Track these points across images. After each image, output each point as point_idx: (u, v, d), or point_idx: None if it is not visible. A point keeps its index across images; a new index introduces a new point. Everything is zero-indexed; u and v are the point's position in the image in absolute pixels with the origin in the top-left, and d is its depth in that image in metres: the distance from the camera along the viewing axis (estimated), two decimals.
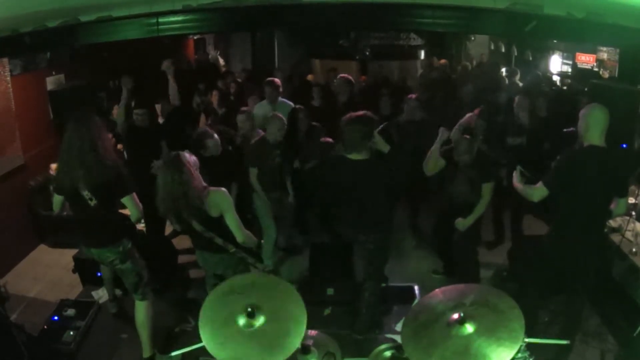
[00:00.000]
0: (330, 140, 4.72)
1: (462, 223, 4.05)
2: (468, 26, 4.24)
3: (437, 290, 2.22)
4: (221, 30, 8.64)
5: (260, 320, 2.12)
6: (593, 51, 8.28)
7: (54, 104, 5.96)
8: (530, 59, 10.16)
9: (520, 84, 7.35)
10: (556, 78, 9.25)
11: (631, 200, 3.92)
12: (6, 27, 3.81)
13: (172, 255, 4.86)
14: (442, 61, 9.31)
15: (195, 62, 9.88)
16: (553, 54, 9.89)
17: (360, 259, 3.73)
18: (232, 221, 3.07)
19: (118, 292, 4.34)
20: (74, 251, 4.69)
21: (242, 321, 2.11)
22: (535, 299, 3.49)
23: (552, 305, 3.81)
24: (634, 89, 3.78)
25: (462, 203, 4.10)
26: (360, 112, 3.40)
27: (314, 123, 5.22)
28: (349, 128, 3.35)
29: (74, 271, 4.66)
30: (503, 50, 11.06)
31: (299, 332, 2.11)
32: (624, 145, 3.73)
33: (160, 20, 3.82)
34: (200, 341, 2.10)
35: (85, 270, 4.60)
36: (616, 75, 5.20)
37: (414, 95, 5.48)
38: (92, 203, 3.25)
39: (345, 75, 6.22)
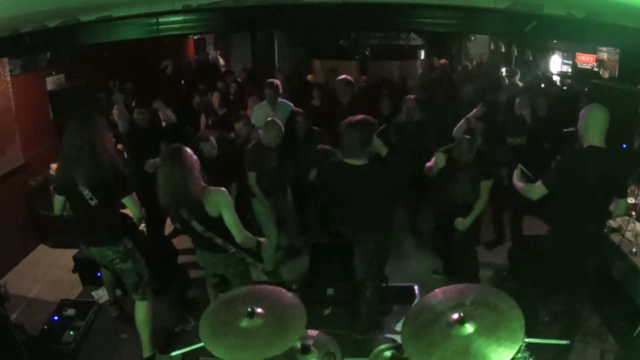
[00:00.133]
0: (328, 147, 4.72)
1: (462, 223, 4.05)
2: (468, 26, 4.24)
3: (437, 290, 2.22)
4: (221, 30, 8.65)
5: (259, 321, 2.12)
6: (593, 51, 8.28)
7: (54, 104, 5.96)
8: (530, 59, 10.16)
9: (520, 84, 7.36)
10: (556, 78, 9.25)
11: (631, 200, 3.92)
12: (6, 27, 3.81)
13: (172, 255, 4.86)
14: (442, 61, 9.31)
15: (195, 62, 9.88)
16: (553, 54, 9.89)
17: (361, 259, 3.72)
18: (231, 221, 3.07)
19: (118, 292, 4.34)
20: (74, 251, 4.69)
21: (242, 322, 2.11)
22: (535, 299, 3.50)
23: (552, 305, 3.81)
24: (634, 89, 3.79)
25: (462, 203, 4.10)
26: (359, 117, 3.37)
27: (314, 127, 5.21)
28: (348, 134, 3.33)
29: (74, 271, 4.66)
30: (503, 50, 11.05)
31: (298, 333, 2.11)
32: (624, 146, 3.73)
33: (160, 20, 3.82)
34: (200, 341, 2.10)
35: (85, 270, 4.59)
36: (616, 75, 5.20)
37: (412, 96, 5.48)
38: (93, 203, 3.25)
39: (345, 76, 6.21)
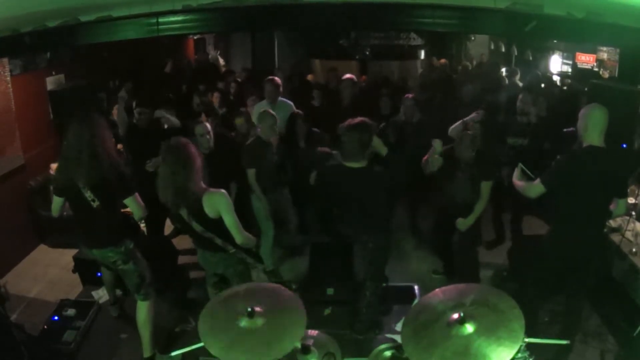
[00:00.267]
0: (327, 150, 4.73)
1: (462, 223, 4.05)
2: (468, 26, 4.24)
3: (437, 290, 2.22)
4: (221, 30, 8.64)
5: (259, 321, 2.12)
6: (593, 51, 8.27)
7: (54, 104, 5.95)
8: (530, 58, 10.16)
9: (520, 84, 7.35)
10: (556, 78, 9.25)
11: (631, 200, 3.93)
12: (6, 27, 3.81)
13: (172, 255, 4.86)
14: (442, 61, 9.31)
15: (195, 62, 9.88)
16: (553, 53, 9.89)
17: (361, 259, 3.72)
18: (231, 223, 3.06)
19: (118, 292, 4.34)
20: (74, 251, 4.69)
21: (242, 321, 2.11)
22: (535, 299, 3.50)
23: (552, 305, 3.81)
24: (634, 89, 3.79)
25: (462, 203, 4.10)
26: (358, 120, 3.36)
27: (314, 129, 5.21)
28: (347, 137, 3.32)
29: (74, 271, 4.66)
30: (503, 50, 11.05)
31: (298, 333, 2.11)
32: (624, 145, 3.73)
33: (160, 20, 3.82)
34: (200, 341, 2.10)
35: (85, 270, 4.59)
36: (616, 75, 5.20)
37: (410, 95, 5.48)
38: (95, 204, 3.24)
39: (350, 76, 6.23)
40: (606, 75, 7.70)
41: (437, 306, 2.11)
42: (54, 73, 6.02)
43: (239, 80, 7.81)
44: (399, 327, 3.54)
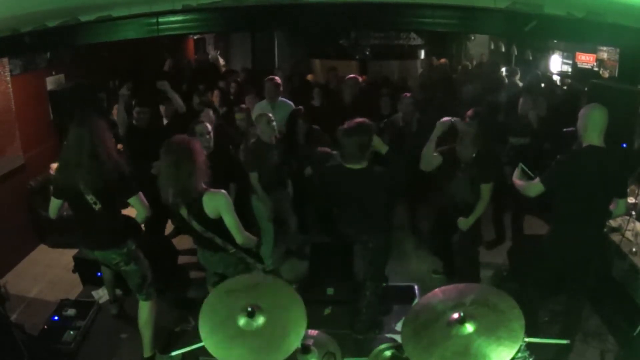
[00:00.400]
0: (327, 150, 4.73)
1: (464, 222, 4.05)
2: (468, 26, 4.24)
3: (437, 289, 2.22)
4: (221, 30, 8.65)
5: (260, 321, 2.12)
6: (593, 51, 8.27)
7: (54, 104, 5.96)
8: (530, 58, 10.16)
9: (520, 84, 7.35)
10: (556, 78, 9.25)
11: (631, 200, 3.92)
12: (6, 27, 3.81)
13: (172, 255, 4.86)
14: (442, 60, 9.32)
15: (195, 62, 9.88)
16: (553, 53, 9.88)
17: (361, 258, 3.72)
18: (231, 223, 3.05)
19: (118, 292, 4.34)
20: (74, 251, 4.69)
21: (242, 321, 2.11)
22: (535, 299, 3.50)
23: (552, 305, 3.81)
24: (634, 89, 3.78)
25: (462, 203, 4.10)
26: (357, 122, 3.35)
27: (314, 126, 5.21)
28: (346, 141, 3.32)
29: (74, 271, 4.66)
30: (503, 50, 11.05)
31: (298, 333, 2.11)
32: (624, 145, 3.73)
33: (160, 20, 3.81)
34: (200, 341, 2.10)
35: (85, 270, 4.59)
36: (616, 75, 5.20)
37: (408, 94, 5.48)
38: (97, 207, 3.22)
39: (354, 75, 6.25)
40: (606, 75, 7.70)
41: (437, 306, 2.11)
42: (54, 73, 6.02)
43: (239, 80, 7.80)
44: (399, 327, 3.56)
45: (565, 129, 4.47)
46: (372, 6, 3.81)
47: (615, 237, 3.95)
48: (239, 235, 3.08)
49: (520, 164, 3.54)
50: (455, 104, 6.11)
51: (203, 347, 2.08)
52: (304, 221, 5.43)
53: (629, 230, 3.94)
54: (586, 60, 8.60)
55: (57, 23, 3.84)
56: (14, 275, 5.02)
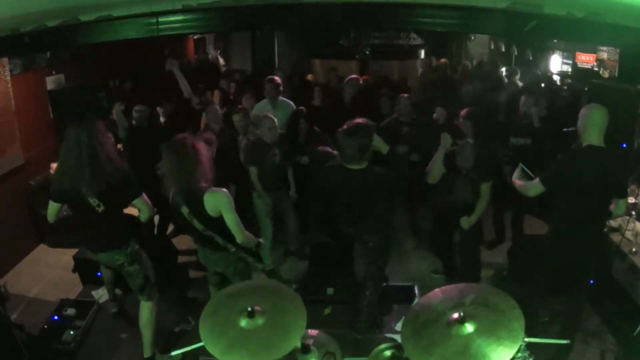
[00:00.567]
0: (328, 149, 4.73)
1: (466, 221, 4.06)
2: (468, 26, 4.24)
3: (437, 289, 2.22)
4: (221, 30, 8.65)
5: (260, 321, 2.12)
6: (593, 51, 8.27)
7: (54, 103, 5.96)
8: (531, 58, 10.16)
9: (520, 84, 7.35)
10: (556, 78, 9.25)
11: (631, 200, 3.92)
12: (6, 26, 3.81)
13: (172, 255, 4.86)
14: (442, 60, 9.31)
15: (195, 62, 9.88)
16: (553, 53, 9.88)
17: (361, 258, 3.72)
18: (232, 222, 3.06)
19: (118, 291, 4.34)
20: (74, 251, 4.69)
21: (242, 321, 2.11)
22: (536, 299, 3.50)
23: (552, 305, 3.81)
24: (634, 89, 3.78)
25: (463, 203, 4.11)
26: (356, 122, 3.35)
27: (315, 128, 5.21)
28: (346, 143, 3.32)
29: (74, 271, 4.66)
30: (503, 49, 11.05)
31: (298, 333, 2.11)
32: (624, 145, 3.73)
33: (160, 20, 3.81)
34: (200, 341, 2.10)
35: (85, 270, 4.60)
36: (616, 75, 5.20)
37: (405, 95, 5.49)
38: (100, 209, 3.19)
39: (356, 76, 6.26)
40: (606, 75, 7.69)
41: (437, 306, 2.11)
42: (54, 73, 6.02)
43: (236, 79, 7.81)
44: (399, 326, 3.54)
45: (565, 129, 4.47)
46: (372, 6, 3.81)
47: (615, 237, 3.96)
48: (240, 234, 3.08)
49: (520, 164, 3.55)
50: (455, 104, 6.10)
51: (203, 347, 2.08)
52: (304, 221, 5.44)
53: (629, 230, 3.95)
54: (586, 60, 8.60)
55: (57, 23, 3.84)
56: (14, 275, 5.02)
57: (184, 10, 3.75)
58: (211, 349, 2.04)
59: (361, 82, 6.35)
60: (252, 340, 2.07)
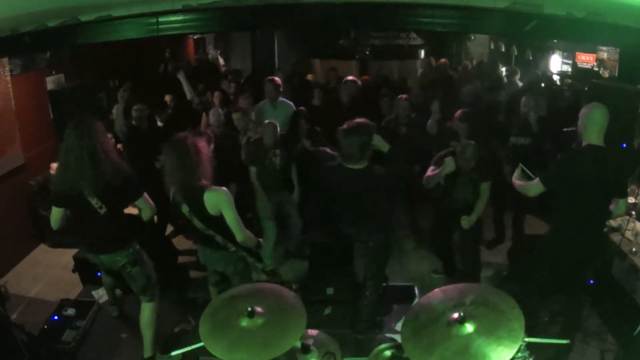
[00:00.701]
0: (328, 150, 4.73)
1: (466, 221, 4.05)
2: (468, 26, 4.25)
3: (437, 289, 2.22)
4: (221, 30, 8.65)
5: (259, 321, 2.12)
6: (593, 51, 8.27)
7: (54, 103, 5.96)
8: (530, 58, 10.16)
9: (520, 84, 7.35)
10: (556, 77, 9.25)
11: (631, 200, 3.92)
12: (6, 27, 3.81)
13: (172, 255, 4.86)
14: (442, 60, 9.31)
15: (195, 62, 9.88)
16: (553, 53, 9.89)
17: (361, 258, 3.72)
18: (232, 220, 3.06)
19: (118, 292, 4.34)
20: (74, 251, 4.69)
21: (242, 321, 2.12)
22: (536, 299, 3.50)
23: (552, 305, 3.81)
24: (634, 89, 3.78)
25: (462, 202, 4.11)
26: (356, 122, 3.35)
27: (316, 127, 5.21)
28: (346, 141, 3.32)
29: (74, 271, 4.66)
30: (503, 49, 11.05)
31: (298, 333, 2.11)
32: (624, 145, 3.73)
33: (160, 20, 3.82)
34: (200, 341, 2.10)
35: (85, 270, 4.59)
36: (616, 74, 5.20)
37: (404, 96, 5.49)
38: (102, 211, 3.17)
39: (353, 77, 6.25)
40: (606, 74, 7.70)
41: (437, 306, 2.11)
42: (54, 73, 6.02)
43: (237, 80, 7.82)
44: (399, 326, 3.55)
45: (565, 129, 4.47)
46: (372, 6, 3.81)
47: (615, 237, 3.96)
48: (240, 232, 3.08)
49: (520, 165, 3.54)
50: (455, 104, 6.10)
51: (203, 347, 2.08)
52: (304, 221, 5.43)
53: (629, 230, 3.95)
54: (586, 60, 8.60)
55: (57, 23, 3.84)
56: (14, 275, 5.02)
57: (184, 10, 3.76)
58: (211, 349, 2.04)
59: (360, 83, 6.33)
60: (252, 340, 2.07)
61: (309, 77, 8.73)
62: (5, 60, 5.01)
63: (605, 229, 3.67)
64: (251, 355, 2.04)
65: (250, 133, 4.90)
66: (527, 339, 2.02)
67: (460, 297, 2.11)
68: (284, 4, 3.83)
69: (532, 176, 3.40)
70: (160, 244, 4.91)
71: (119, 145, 5.49)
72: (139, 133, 5.01)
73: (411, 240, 5.57)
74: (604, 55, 8.00)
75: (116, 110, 5.04)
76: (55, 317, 4.04)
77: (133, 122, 5.05)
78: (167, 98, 6.56)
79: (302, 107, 5.32)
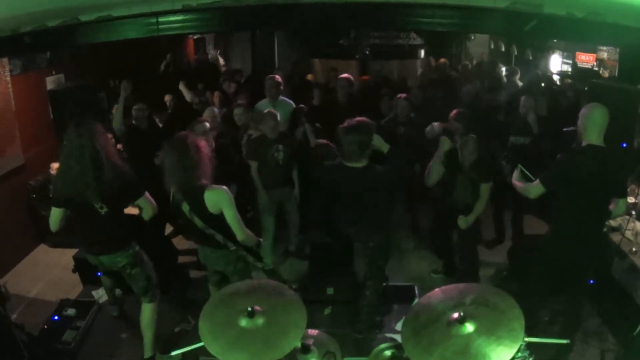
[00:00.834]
0: (326, 142, 4.72)
1: (463, 221, 4.05)
2: (468, 26, 4.25)
3: (437, 289, 2.22)
4: (221, 30, 8.65)
5: (260, 321, 2.12)
6: (593, 50, 8.28)
7: (54, 103, 5.96)
8: (530, 58, 10.16)
9: (520, 84, 7.35)
10: (556, 77, 9.25)
11: (631, 199, 3.92)
12: (6, 27, 3.81)
13: (172, 255, 4.86)
14: (442, 60, 9.31)
15: (195, 62, 9.88)
16: (553, 53, 9.89)
17: (361, 258, 3.72)
18: (232, 219, 3.06)
19: (118, 292, 4.34)
20: (74, 251, 4.69)
21: (242, 321, 2.11)
22: (536, 299, 3.50)
23: (552, 304, 3.81)
24: (634, 89, 3.79)
25: (462, 202, 4.11)
26: (357, 120, 3.35)
27: (316, 124, 5.21)
28: (346, 140, 3.31)
29: (74, 271, 4.66)
30: (503, 49, 11.06)
31: (298, 333, 2.11)
32: (624, 145, 3.73)
33: (160, 20, 3.82)
34: (200, 341, 2.10)
35: (85, 270, 4.58)
36: (616, 74, 5.20)
37: (403, 95, 5.49)
38: (103, 211, 3.17)
39: (346, 75, 6.23)
40: (606, 74, 7.70)
41: (437, 306, 2.11)
42: (54, 73, 6.02)
43: (237, 80, 7.82)
44: (399, 326, 3.56)
45: (565, 129, 4.47)
46: (372, 6, 3.81)
47: (615, 237, 3.96)
48: (240, 231, 3.09)
49: (520, 166, 3.53)
50: (455, 104, 6.10)
51: (203, 347, 2.08)
52: (304, 221, 5.44)
53: (629, 230, 3.95)
54: (586, 60, 8.61)
55: (57, 23, 3.84)
56: (14, 275, 5.02)
57: (184, 10, 3.76)
58: (211, 349, 2.04)
59: (353, 80, 6.30)
60: (252, 340, 2.07)
61: (309, 77, 8.74)
62: (5, 60, 5.01)
63: (605, 229, 3.67)
64: (251, 355, 2.04)
65: (251, 131, 4.90)
66: (527, 339, 2.01)
67: (460, 296, 2.11)
68: (284, 4, 3.83)
69: (532, 177, 3.40)
70: (160, 244, 4.91)
71: (119, 146, 5.49)
72: (138, 133, 5.00)
73: (411, 240, 5.57)
74: (604, 55, 8.01)
75: (115, 109, 5.05)
76: (56, 317, 4.04)
77: (133, 121, 5.05)
78: (167, 98, 6.59)
79: (302, 105, 5.32)
